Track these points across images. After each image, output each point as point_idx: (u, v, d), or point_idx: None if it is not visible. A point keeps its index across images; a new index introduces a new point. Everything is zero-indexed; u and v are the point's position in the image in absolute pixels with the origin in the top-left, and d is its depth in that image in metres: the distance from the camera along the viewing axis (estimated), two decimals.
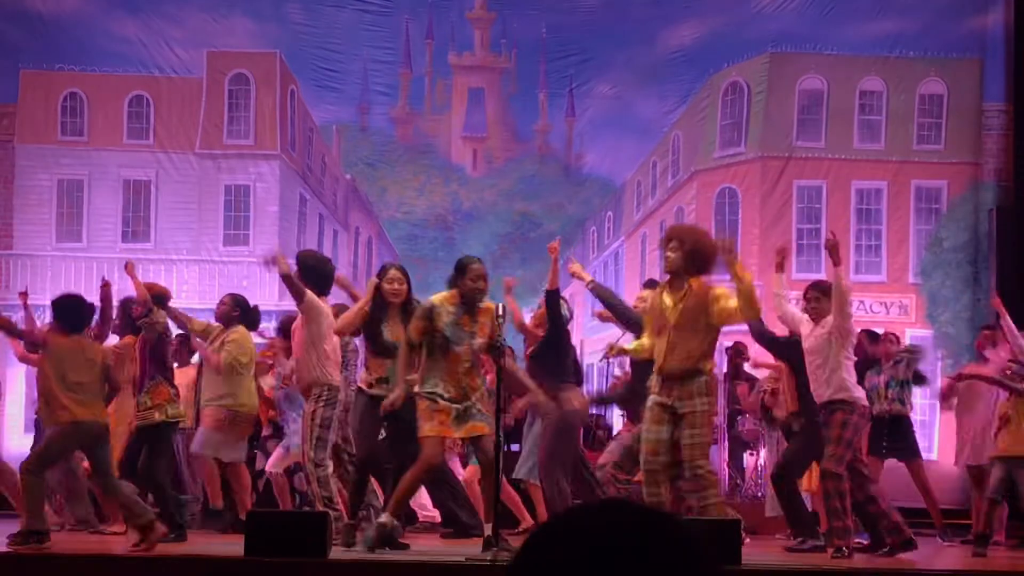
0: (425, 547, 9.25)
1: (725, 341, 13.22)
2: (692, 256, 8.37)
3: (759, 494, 12.64)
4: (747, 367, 12.72)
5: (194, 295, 14.09)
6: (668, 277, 8.58)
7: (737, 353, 12.99)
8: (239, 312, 10.68)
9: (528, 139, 15.57)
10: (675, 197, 15.34)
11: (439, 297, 8.55)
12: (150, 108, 15.13)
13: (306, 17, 15.17)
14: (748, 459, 13.07)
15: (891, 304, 14.73)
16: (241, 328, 10.62)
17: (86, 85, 15.15)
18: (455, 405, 8.38)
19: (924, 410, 14.22)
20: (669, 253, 8.45)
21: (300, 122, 15.34)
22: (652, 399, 8.43)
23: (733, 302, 8.26)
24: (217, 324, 10.77)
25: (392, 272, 8.98)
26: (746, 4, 15.10)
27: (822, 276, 14.77)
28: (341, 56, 15.23)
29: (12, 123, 15.04)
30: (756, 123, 15.12)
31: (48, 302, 14.52)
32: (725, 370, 13.03)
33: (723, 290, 8.43)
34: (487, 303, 8.54)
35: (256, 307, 10.97)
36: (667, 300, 8.44)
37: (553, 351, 9.91)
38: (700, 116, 15.25)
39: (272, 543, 7.70)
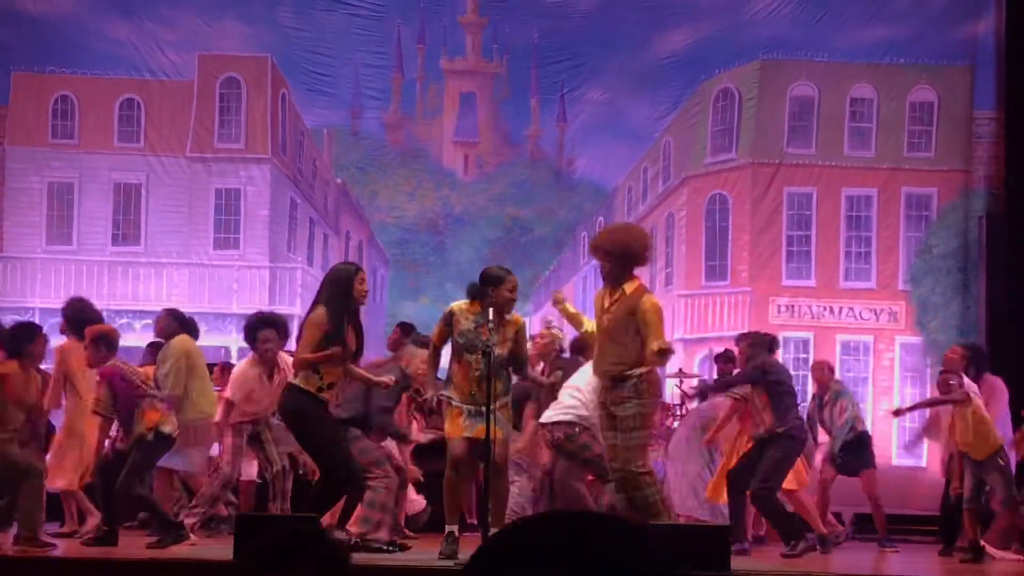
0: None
1: (715, 348, 13.25)
2: (621, 261, 8.48)
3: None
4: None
5: (184, 299, 14.06)
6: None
7: (727, 360, 12.98)
8: (177, 325, 10.68)
9: (519, 144, 15.57)
10: (666, 203, 15.36)
11: (460, 305, 8.76)
12: (141, 111, 15.11)
13: (298, 21, 15.16)
14: None
15: (880, 311, 14.75)
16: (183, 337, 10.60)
17: (77, 88, 15.12)
18: (467, 406, 8.61)
19: (913, 417, 14.24)
20: (605, 264, 8.54)
21: (291, 126, 15.33)
22: (600, 403, 8.60)
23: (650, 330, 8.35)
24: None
25: (362, 274, 8.85)
26: (738, 11, 15.11)
27: (811, 283, 14.92)
28: (332, 60, 15.22)
29: (2, 125, 14.99)
30: (747, 129, 15.13)
31: (37, 305, 14.57)
32: (715, 376, 13.02)
33: (651, 306, 8.44)
34: (515, 315, 8.84)
35: (191, 318, 10.98)
36: (604, 302, 8.53)
37: None
38: (691, 122, 15.26)
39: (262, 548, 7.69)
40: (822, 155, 15.10)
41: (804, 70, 15.12)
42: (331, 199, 15.53)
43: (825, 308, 14.84)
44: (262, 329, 10.58)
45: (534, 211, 15.38)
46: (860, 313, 14.74)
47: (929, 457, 13.92)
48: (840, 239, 14.97)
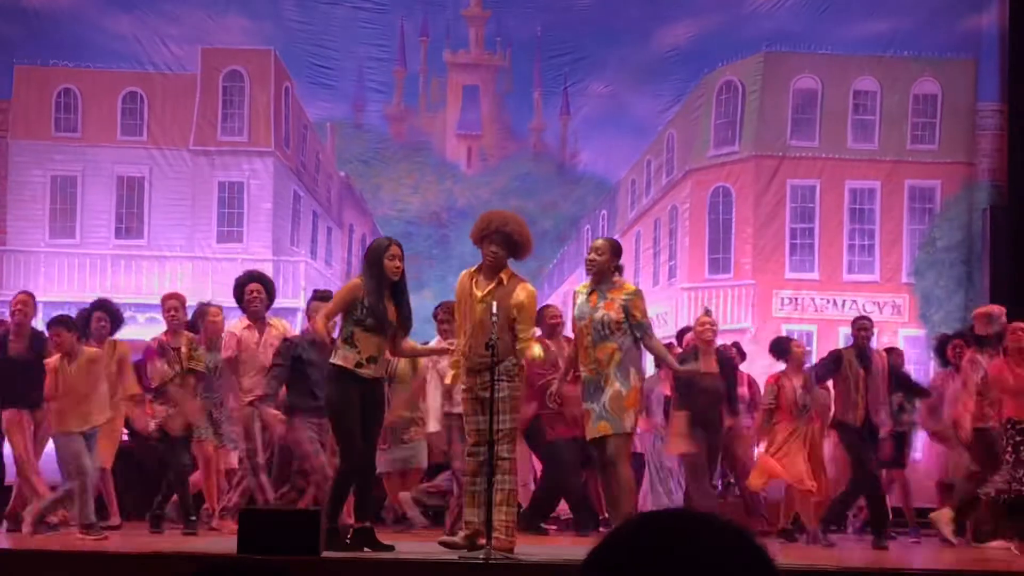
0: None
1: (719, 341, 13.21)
2: (514, 251, 8.49)
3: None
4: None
5: (187, 292, 14.03)
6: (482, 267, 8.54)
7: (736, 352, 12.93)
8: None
9: (523, 137, 15.56)
10: (669, 196, 15.35)
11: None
12: (144, 104, 15.11)
13: (301, 14, 15.16)
14: None
15: (884, 304, 14.74)
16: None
17: (80, 81, 15.12)
18: None
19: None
20: (499, 251, 8.42)
21: (294, 119, 15.33)
22: (464, 388, 8.50)
23: (525, 328, 8.41)
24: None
25: (394, 248, 8.79)
26: (741, 3, 15.10)
27: (815, 276, 14.92)
28: (336, 53, 15.21)
29: (6, 119, 15.00)
30: (750, 122, 15.12)
31: (40, 298, 14.58)
32: None
33: (525, 297, 8.43)
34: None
35: None
36: (476, 292, 8.42)
37: None
38: (694, 115, 15.26)
39: (264, 540, 7.71)
40: (825, 148, 15.09)
41: (807, 63, 15.11)
42: (334, 192, 15.53)
43: (828, 301, 14.83)
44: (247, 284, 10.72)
45: (537, 204, 15.36)
46: (864, 306, 14.71)
47: (924, 451, 13.90)
48: (843, 232, 14.97)
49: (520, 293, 8.40)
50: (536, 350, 8.31)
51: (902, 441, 11.80)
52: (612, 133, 15.25)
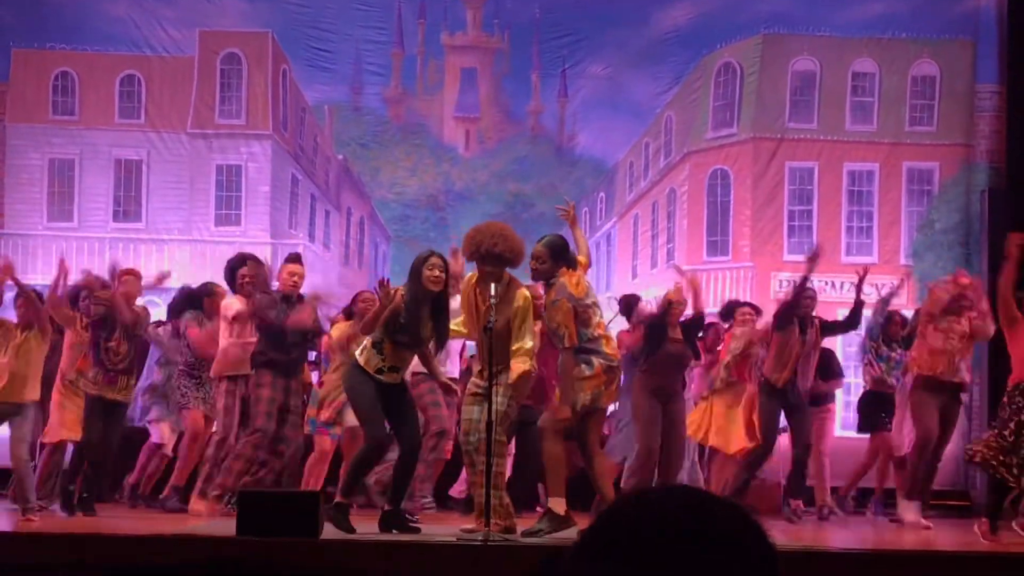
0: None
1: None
2: (509, 265, 8.49)
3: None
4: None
5: (185, 275, 14.05)
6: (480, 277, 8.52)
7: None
8: None
9: (520, 120, 15.54)
10: (667, 178, 15.34)
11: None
12: (142, 87, 15.09)
13: None
14: None
15: (882, 285, 14.71)
16: None
17: (78, 64, 15.10)
18: None
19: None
20: (495, 270, 8.38)
21: (292, 102, 15.30)
22: (471, 381, 8.67)
23: (517, 339, 8.35)
24: None
25: (434, 259, 8.68)
26: None
27: None
28: (333, 36, 15.19)
29: (3, 102, 14.98)
30: (749, 104, 15.11)
31: (39, 282, 14.57)
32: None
33: (523, 302, 8.42)
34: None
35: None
36: (480, 302, 8.43)
37: None
38: (693, 97, 15.24)
39: (264, 522, 7.72)
40: (824, 130, 15.08)
41: (806, 44, 15.08)
42: (332, 175, 15.51)
43: (827, 283, 14.81)
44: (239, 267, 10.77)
45: (535, 187, 15.36)
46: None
47: None
48: (842, 214, 14.97)
49: (518, 300, 8.42)
50: (520, 369, 8.24)
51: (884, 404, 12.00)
52: (610, 115, 15.24)
